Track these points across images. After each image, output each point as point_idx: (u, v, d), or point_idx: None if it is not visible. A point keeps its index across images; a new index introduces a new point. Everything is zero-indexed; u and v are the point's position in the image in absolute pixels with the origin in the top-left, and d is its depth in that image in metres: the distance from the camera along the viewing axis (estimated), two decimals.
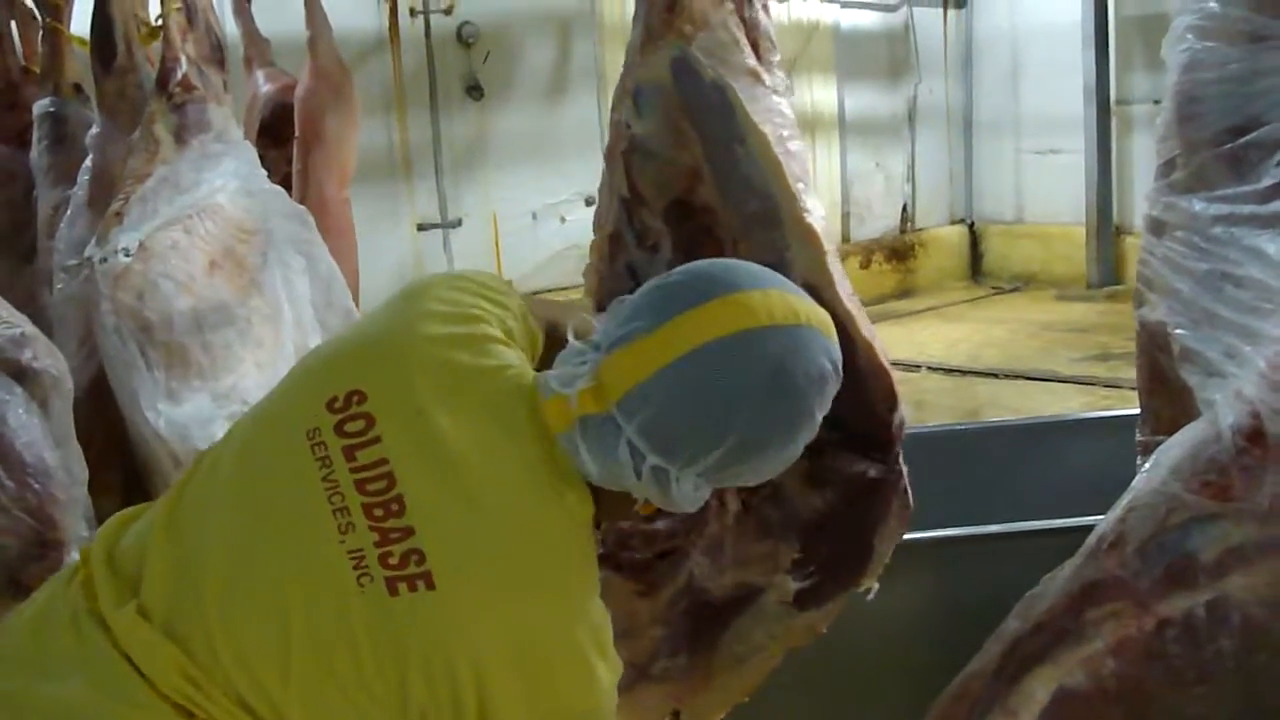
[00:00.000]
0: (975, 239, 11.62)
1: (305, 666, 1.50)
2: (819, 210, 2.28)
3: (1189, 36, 1.92)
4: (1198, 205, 1.87)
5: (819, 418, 1.60)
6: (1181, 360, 1.81)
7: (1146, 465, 1.63)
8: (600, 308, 2.39)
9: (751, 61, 2.33)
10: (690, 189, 2.33)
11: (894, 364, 7.87)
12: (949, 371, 8.32)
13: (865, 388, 2.24)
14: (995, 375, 8.11)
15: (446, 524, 1.52)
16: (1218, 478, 1.50)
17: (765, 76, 2.34)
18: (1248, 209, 1.80)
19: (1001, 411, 7.08)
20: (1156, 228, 1.97)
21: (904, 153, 11.29)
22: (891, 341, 8.81)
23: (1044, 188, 10.92)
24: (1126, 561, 1.52)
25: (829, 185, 10.76)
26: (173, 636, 1.51)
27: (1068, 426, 3.97)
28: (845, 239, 10.86)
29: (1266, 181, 1.80)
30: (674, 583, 2.35)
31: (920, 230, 11.44)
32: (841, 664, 2.80)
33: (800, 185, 2.27)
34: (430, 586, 1.49)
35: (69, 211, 3.60)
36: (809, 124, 10.55)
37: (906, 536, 3.05)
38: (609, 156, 2.44)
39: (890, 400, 2.29)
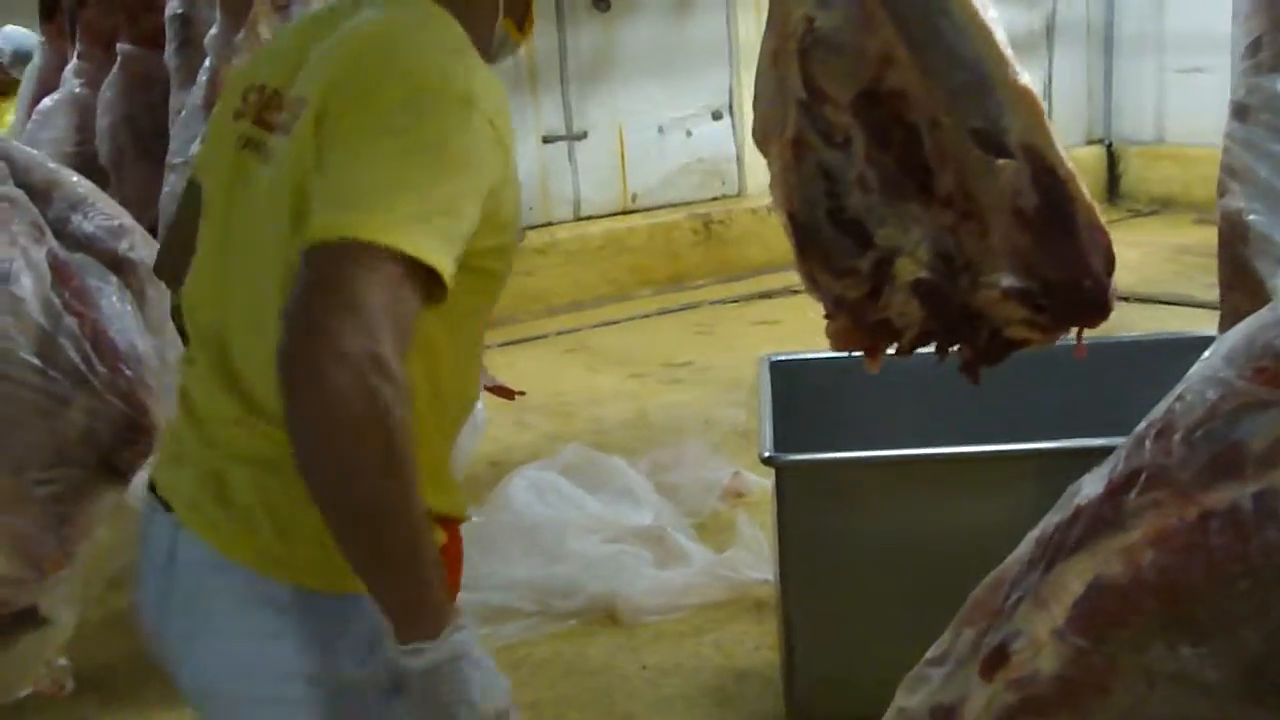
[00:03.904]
0: (1113, 160, 11.28)
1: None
2: (1026, 75, 2.30)
3: None
4: None
5: None
6: (1254, 248, 1.73)
7: (1205, 354, 1.55)
8: (793, 217, 2.39)
9: None
10: (879, 76, 2.32)
11: None
12: None
13: (1085, 246, 2.26)
14: (1125, 299, 7.89)
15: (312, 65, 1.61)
16: (1272, 363, 1.42)
17: None
18: None
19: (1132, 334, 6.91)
20: (1240, 112, 1.89)
21: (1041, 70, 10.96)
22: None
23: (1186, 107, 10.54)
24: (1172, 449, 1.45)
25: None
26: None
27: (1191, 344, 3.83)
28: None
29: None
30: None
31: None
32: (954, 578, 2.78)
33: (1009, 50, 2.27)
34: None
35: (184, 114, 3.66)
36: None
37: (1015, 447, 3.05)
38: (775, 59, 2.41)
39: (1109, 261, 2.31)
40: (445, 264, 1.41)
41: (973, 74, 2.22)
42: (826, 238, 2.38)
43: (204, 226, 1.72)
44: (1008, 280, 2.28)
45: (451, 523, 1.70)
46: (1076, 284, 2.26)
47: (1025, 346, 2.37)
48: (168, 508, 1.66)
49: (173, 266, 1.88)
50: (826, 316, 2.49)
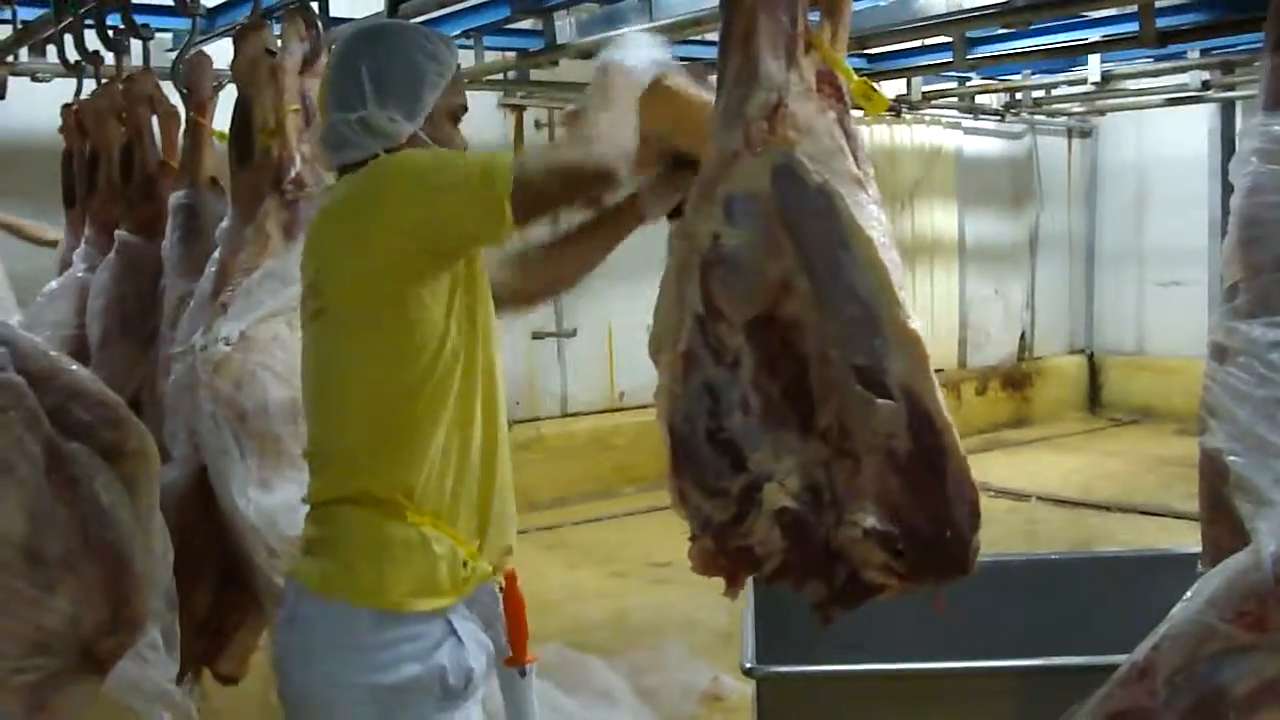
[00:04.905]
0: (1094, 369, 11.44)
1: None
2: (917, 320, 2.29)
3: (1253, 160, 1.89)
4: (1258, 330, 1.83)
5: None
6: (1235, 488, 1.76)
7: (1188, 594, 1.58)
8: (672, 431, 2.40)
9: (854, 169, 2.33)
10: (777, 302, 2.32)
11: (1004, 492, 7.72)
12: (1060, 502, 8.15)
13: (952, 501, 2.23)
14: (1108, 508, 7.93)
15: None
16: (1254, 608, 1.45)
17: (867, 185, 2.34)
18: None
19: (1112, 545, 6.93)
20: (1219, 353, 1.93)
21: (1024, 280, 11.20)
22: (1004, 470, 8.79)
23: (1166, 320, 10.74)
24: (1155, 691, 1.46)
25: (947, 310, 10.70)
26: None
27: (1174, 561, 3.83)
28: (961, 364, 10.76)
29: None
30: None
31: (1038, 359, 11.29)
32: None
33: (903, 293, 2.27)
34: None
35: (192, 304, 3.69)
36: (929, 248, 10.53)
37: (994, 664, 3.05)
38: (680, 270, 2.42)
39: (974, 517, 2.26)
40: (511, 160, 2.22)
41: (863, 311, 2.23)
42: (702, 456, 2.37)
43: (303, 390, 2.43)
44: (871, 521, 2.26)
45: (509, 579, 2.45)
46: (938, 535, 2.23)
47: (881, 593, 2.33)
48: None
49: None
50: (691, 537, 2.46)
